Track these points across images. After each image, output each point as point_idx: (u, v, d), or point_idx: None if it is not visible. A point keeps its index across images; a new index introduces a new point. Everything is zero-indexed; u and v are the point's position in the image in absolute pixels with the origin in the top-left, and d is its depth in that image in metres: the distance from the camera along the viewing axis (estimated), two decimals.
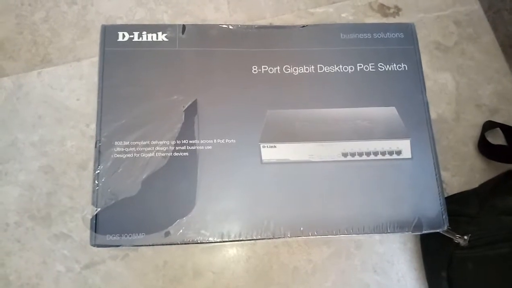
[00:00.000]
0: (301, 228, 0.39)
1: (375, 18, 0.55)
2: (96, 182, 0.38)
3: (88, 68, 0.50)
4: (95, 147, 0.39)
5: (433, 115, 0.49)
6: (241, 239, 0.39)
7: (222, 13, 0.55)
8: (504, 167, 0.46)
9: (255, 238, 0.39)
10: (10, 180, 0.46)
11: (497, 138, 0.50)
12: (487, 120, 0.50)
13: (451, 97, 0.52)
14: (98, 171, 0.39)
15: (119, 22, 0.53)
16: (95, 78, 0.42)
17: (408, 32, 0.47)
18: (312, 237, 0.39)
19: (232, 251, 0.46)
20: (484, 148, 0.49)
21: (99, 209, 0.38)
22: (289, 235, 0.39)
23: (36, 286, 0.43)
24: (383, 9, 0.56)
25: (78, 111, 0.48)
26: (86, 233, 0.37)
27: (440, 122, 0.51)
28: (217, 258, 0.45)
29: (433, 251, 0.44)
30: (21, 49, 0.51)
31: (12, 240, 0.45)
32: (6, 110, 0.48)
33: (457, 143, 0.50)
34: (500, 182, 0.43)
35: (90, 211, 0.37)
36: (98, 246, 0.37)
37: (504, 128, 0.49)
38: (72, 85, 0.49)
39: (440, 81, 0.53)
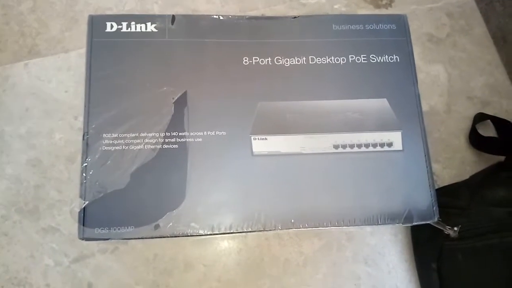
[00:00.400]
0: (292, 220, 0.39)
1: (367, 10, 0.55)
2: (84, 175, 0.38)
3: (76, 59, 0.49)
4: (83, 139, 0.39)
5: (425, 107, 0.49)
6: (231, 231, 0.38)
7: (213, 4, 0.54)
8: (494, 159, 0.46)
9: (246, 230, 0.38)
10: None
11: (488, 130, 0.50)
12: (478, 112, 0.50)
13: (443, 89, 0.52)
14: (86, 163, 0.38)
15: (108, 12, 0.52)
16: (83, 70, 0.41)
17: (401, 24, 0.46)
18: (303, 229, 0.39)
19: (223, 243, 0.46)
20: (475, 140, 0.49)
21: (87, 202, 0.37)
22: (280, 228, 0.39)
23: (24, 280, 0.43)
24: (375, 1, 0.55)
25: (66, 103, 0.48)
26: (75, 227, 0.37)
27: (432, 114, 0.51)
28: (208, 250, 0.45)
29: (423, 242, 0.44)
30: (8, 40, 0.50)
31: None
32: None
33: (449, 135, 0.51)
34: (490, 173, 0.43)
35: (78, 204, 0.37)
36: (87, 239, 0.37)
37: (495, 120, 0.49)
38: (60, 77, 0.49)
39: (432, 73, 0.53)
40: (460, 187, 0.44)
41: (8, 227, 0.44)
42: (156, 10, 0.53)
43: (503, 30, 0.54)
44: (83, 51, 0.42)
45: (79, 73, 0.48)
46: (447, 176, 0.49)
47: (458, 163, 0.50)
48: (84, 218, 0.37)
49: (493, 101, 0.52)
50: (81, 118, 0.45)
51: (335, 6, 0.55)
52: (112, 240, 0.38)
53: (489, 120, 0.50)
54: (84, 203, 0.37)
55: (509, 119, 0.48)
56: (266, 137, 0.41)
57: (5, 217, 0.44)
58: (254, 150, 0.41)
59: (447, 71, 0.53)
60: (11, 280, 0.43)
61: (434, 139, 0.50)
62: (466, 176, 0.45)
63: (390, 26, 0.46)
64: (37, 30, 0.51)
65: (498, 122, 0.49)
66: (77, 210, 0.37)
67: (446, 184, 0.46)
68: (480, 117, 0.50)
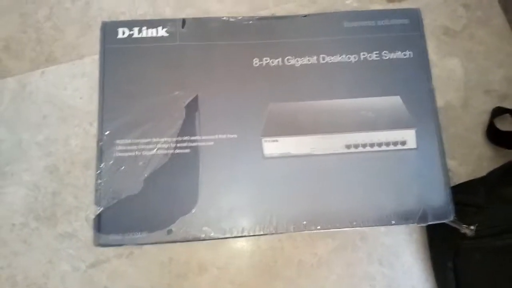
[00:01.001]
0: (305, 222, 0.39)
1: (380, 4, 0.54)
2: (99, 181, 0.39)
3: (90, 66, 0.50)
4: (97, 145, 0.39)
5: (440, 102, 0.48)
6: (244, 235, 0.38)
7: (224, 4, 0.54)
8: None
9: (258, 233, 0.39)
10: (15, 180, 0.47)
11: (506, 125, 0.49)
12: (496, 106, 0.49)
13: (459, 83, 0.51)
14: (100, 170, 0.39)
15: (122, 17, 0.53)
16: (97, 75, 0.42)
17: (414, 18, 0.45)
18: (316, 231, 0.39)
19: (236, 246, 0.46)
20: (493, 135, 0.48)
21: (102, 209, 0.38)
22: (292, 230, 0.39)
23: (44, 286, 0.44)
24: None
25: (82, 110, 0.49)
26: (91, 232, 0.38)
27: (448, 109, 0.50)
28: (221, 253, 0.46)
29: (439, 241, 0.44)
30: (26, 48, 0.51)
31: (18, 241, 0.45)
32: (10, 110, 0.49)
33: (465, 130, 0.49)
34: (508, 170, 0.42)
35: (93, 211, 0.38)
36: (102, 245, 0.38)
37: None
38: (75, 84, 0.50)
39: (448, 67, 0.51)
40: (477, 184, 0.43)
41: (27, 234, 0.45)
42: (167, 12, 0.53)
43: None
44: (97, 56, 0.43)
45: (93, 79, 0.49)
46: (463, 172, 0.48)
47: (475, 159, 0.48)
48: (99, 224, 0.38)
49: None
50: (96, 124, 0.46)
51: (347, 2, 0.54)
52: (126, 246, 0.38)
53: (507, 114, 0.48)
54: (99, 209, 0.38)
55: None
56: (277, 138, 0.41)
57: (23, 225, 0.46)
58: (265, 152, 0.41)
59: (463, 65, 0.51)
60: (30, 286, 0.44)
61: (450, 134, 0.49)
62: (483, 173, 0.44)
63: (402, 21, 0.45)
64: (53, 37, 0.52)
65: None
66: (92, 216, 0.38)
67: (462, 181, 0.45)
68: (498, 111, 0.48)
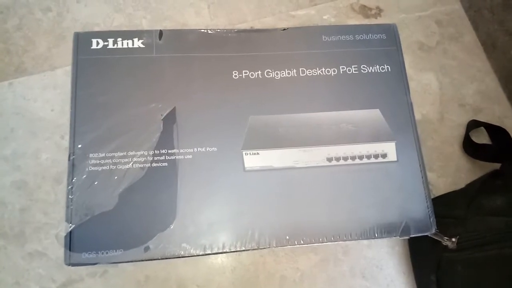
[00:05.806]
0: (287, 237, 0.38)
1: (357, 20, 0.55)
2: (70, 197, 0.37)
3: (62, 77, 0.48)
4: (69, 160, 0.37)
5: (417, 115, 0.48)
6: (224, 251, 0.37)
7: (202, 18, 0.54)
8: (489, 166, 0.45)
9: (239, 249, 0.37)
10: None
11: (481, 137, 0.50)
12: (471, 119, 0.50)
13: (435, 97, 0.52)
14: (72, 185, 0.37)
15: (96, 29, 0.52)
16: (70, 88, 0.40)
17: (390, 33, 0.46)
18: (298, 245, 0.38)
19: (216, 262, 0.44)
20: (469, 147, 0.49)
21: (73, 226, 0.36)
22: (274, 245, 0.38)
23: None
24: (364, 10, 0.55)
25: (53, 122, 0.47)
26: (62, 251, 0.36)
27: (425, 122, 0.50)
28: (201, 270, 0.44)
29: (421, 254, 0.44)
30: None
31: None
32: None
33: (442, 143, 0.50)
34: (486, 182, 0.42)
35: (64, 228, 0.36)
36: (73, 265, 0.35)
37: (488, 127, 0.49)
38: (46, 95, 0.48)
39: (423, 82, 0.52)
40: (457, 196, 0.43)
41: None
42: (144, 25, 0.53)
43: (492, 37, 0.54)
44: (69, 68, 0.41)
45: (65, 91, 0.47)
46: (442, 184, 0.48)
47: (453, 171, 0.49)
48: (71, 242, 0.36)
49: (485, 108, 0.52)
50: (67, 137, 0.44)
51: (324, 17, 0.54)
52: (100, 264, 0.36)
53: (482, 127, 0.49)
54: (71, 226, 0.36)
55: (502, 126, 0.48)
56: (258, 151, 0.40)
57: None
58: (246, 165, 0.40)
59: (438, 79, 0.53)
60: None
61: (428, 147, 0.49)
62: (462, 184, 0.44)
63: (380, 36, 0.46)
64: (23, 48, 0.50)
65: (491, 128, 0.49)
66: (63, 234, 0.36)
67: (441, 192, 0.46)
68: (473, 124, 0.49)
